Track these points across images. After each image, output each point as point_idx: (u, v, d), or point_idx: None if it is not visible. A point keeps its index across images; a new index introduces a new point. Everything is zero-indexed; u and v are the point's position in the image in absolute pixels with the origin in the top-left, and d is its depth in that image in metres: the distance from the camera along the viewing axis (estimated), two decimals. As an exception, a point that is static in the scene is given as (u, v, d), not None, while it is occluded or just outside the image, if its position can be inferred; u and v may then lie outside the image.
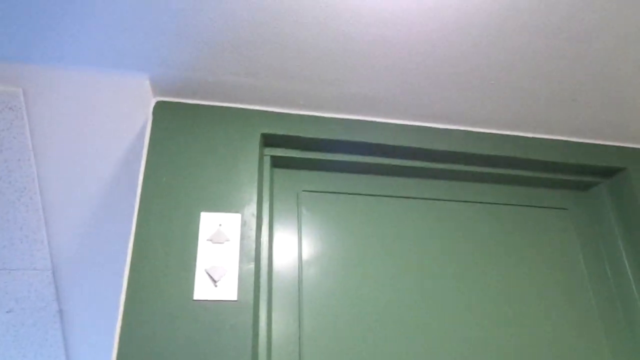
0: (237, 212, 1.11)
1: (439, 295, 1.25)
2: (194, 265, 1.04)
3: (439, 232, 1.33)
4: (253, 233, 1.10)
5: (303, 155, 1.30)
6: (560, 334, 1.28)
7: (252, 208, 1.12)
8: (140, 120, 1.18)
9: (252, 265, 1.07)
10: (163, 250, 1.04)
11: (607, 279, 1.39)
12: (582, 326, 1.30)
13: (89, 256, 1.35)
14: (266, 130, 1.23)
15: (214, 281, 1.03)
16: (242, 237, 1.09)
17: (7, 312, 1.43)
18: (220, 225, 1.08)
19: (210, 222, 1.08)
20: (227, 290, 1.03)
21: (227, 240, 1.07)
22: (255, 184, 1.15)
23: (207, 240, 1.06)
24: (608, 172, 1.47)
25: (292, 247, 1.23)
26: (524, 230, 1.39)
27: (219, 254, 1.06)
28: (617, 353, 1.29)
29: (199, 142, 1.18)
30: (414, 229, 1.32)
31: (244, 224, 1.10)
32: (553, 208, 1.45)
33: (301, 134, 1.26)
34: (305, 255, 1.22)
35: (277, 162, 1.31)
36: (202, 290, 1.02)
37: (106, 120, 1.17)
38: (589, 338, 1.29)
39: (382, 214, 1.32)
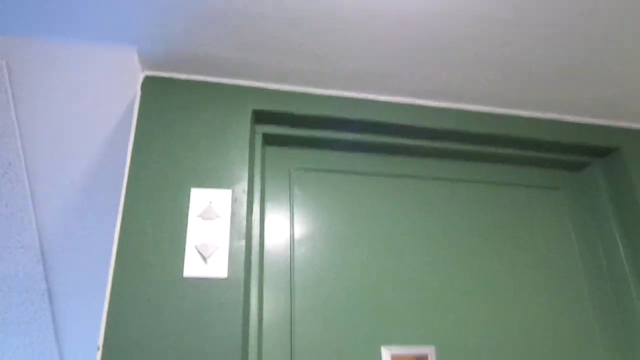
0: (227, 188, 1.09)
1: (430, 274, 1.24)
2: (184, 242, 1.02)
3: (430, 211, 1.32)
4: (244, 210, 1.09)
5: (295, 132, 1.28)
6: (550, 313, 1.28)
7: (243, 185, 1.11)
8: (128, 94, 1.15)
9: (242, 243, 1.06)
10: (152, 227, 1.03)
11: (599, 258, 1.39)
12: (573, 305, 1.30)
13: (77, 233, 1.33)
14: (257, 107, 1.21)
15: (204, 258, 1.01)
16: (233, 214, 1.07)
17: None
18: (210, 201, 1.06)
19: (200, 199, 1.06)
20: (217, 267, 1.02)
21: (217, 217, 1.05)
22: (246, 161, 1.13)
23: (197, 216, 1.05)
24: (601, 152, 1.46)
25: (284, 225, 1.22)
26: (517, 210, 1.39)
27: (210, 231, 1.04)
28: (606, 331, 1.30)
29: (189, 118, 1.15)
30: (405, 208, 1.31)
31: (234, 200, 1.09)
32: (546, 188, 1.45)
33: (293, 111, 1.23)
34: (297, 234, 1.21)
35: (268, 140, 1.29)
36: (192, 267, 1.01)
37: (94, 95, 1.14)
38: (579, 317, 1.29)
39: (374, 193, 1.31)
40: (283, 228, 1.22)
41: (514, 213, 1.38)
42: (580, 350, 1.25)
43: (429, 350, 1.15)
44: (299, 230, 1.22)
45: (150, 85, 1.18)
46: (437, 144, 1.36)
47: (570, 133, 1.41)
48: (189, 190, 1.07)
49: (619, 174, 1.42)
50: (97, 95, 1.15)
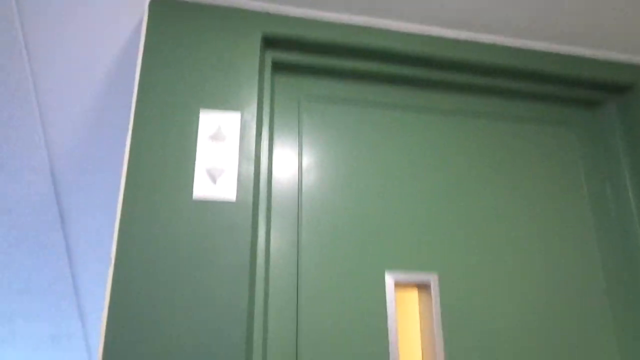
0: (236, 110, 1.09)
1: (436, 205, 1.25)
2: (193, 164, 1.03)
3: (438, 143, 1.31)
4: (253, 134, 1.08)
5: (305, 60, 1.26)
6: (553, 248, 1.29)
7: (252, 108, 1.10)
8: (137, 14, 1.13)
9: (251, 167, 1.06)
10: (161, 148, 1.03)
11: (606, 200, 1.39)
12: (577, 244, 1.32)
13: (87, 155, 1.34)
14: (267, 31, 1.18)
15: (213, 180, 1.02)
16: (242, 137, 1.07)
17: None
18: (219, 123, 1.06)
19: (209, 121, 1.06)
20: (226, 190, 1.03)
21: (226, 140, 1.05)
22: (256, 85, 1.12)
23: (206, 138, 1.05)
24: (617, 89, 1.43)
25: (292, 152, 1.22)
26: (525, 145, 1.38)
27: (218, 153, 1.04)
28: (609, 270, 1.31)
29: (196, 41, 1.13)
30: (413, 139, 1.30)
31: (243, 124, 1.08)
32: (556, 125, 1.43)
33: (304, 36, 1.21)
34: (305, 162, 1.22)
35: (278, 67, 1.27)
36: (201, 190, 1.02)
37: (101, 13, 1.12)
38: (583, 255, 1.31)
39: (383, 123, 1.30)
40: (291, 155, 1.22)
41: (522, 148, 1.37)
42: (583, 283, 1.27)
43: (432, 277, 1.18)
44: (308, 159, 1.22)
45: (158, 9, 1.15)
46: (448, 76, 1.33)
47: (584, 68, 1.37)
48: (198, 112, 1.06)
49: (634, 113, 1.39)
50: (105, 14, 1.12)
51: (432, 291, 1.17)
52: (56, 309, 1.74)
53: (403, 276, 1.17)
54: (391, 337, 1.11)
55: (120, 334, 0.92)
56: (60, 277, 1.61)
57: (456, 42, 1.30)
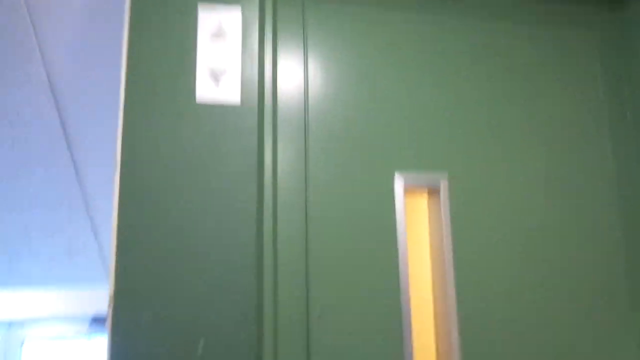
0: (237, 4, 1.02)
1: (447, 111, 1.21)
2: (194, 65, 0.99)
3: (450, 46, 1.25)
4: (256, 32, 1.03)
5: (309, -47, 1.17)
6: (570, 158, 1.26)
7: (253, 3, 1.03)
8: None
9: (255, 68, 1.02)
10: (160, 48, 0.98)
11: (623, 104, 1.33)
12: (593, 151, 1.28)
13: (84, 62, 1.29)
14: None
15: (216, 82, 0.98)
16: (244, 35, 1.02)
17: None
18: (219, 19, 1.00)
19: (208, 16, 1.00)
20: (230, 93, 0.99)
21: (227, 37, 1.00)
22: (257, -21, 1.05)
23: (207, 36, 0.99)
24: (644, -18, 1.33)
25: (297, 55, 1.17)
26: (541, 49, 1.31)
27: (220, 53, 0.99)
28: (625, 176, 1.29)
29: None
30: (423, 42, 1.24)
31: (245, 20, 1.02)
32: (575, 27, 1.35)
33: None
34: (310, 65, 1.16)
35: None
36: (205, 93, 0.98)
37: None
38: (599, 162, 1.28)
39: (391, 25, 1.23)
40: (296, 57, 1.17)
41: (537, 50, 1.30)
42: (597, 188, 1.26)
43: (442, 179, 1.16)
44: (313, 60, 1.17)
45: None
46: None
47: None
48: (196, 6, 1.00)
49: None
50: None
51: (441, 195, 1.16)
52: (68, 222, 1.77)
53: (413, 176, 1.15)
54: (400, 239, 1.12)
55: (131, 242, 0.92)
56: (69, 190, 1.62)
57: None
